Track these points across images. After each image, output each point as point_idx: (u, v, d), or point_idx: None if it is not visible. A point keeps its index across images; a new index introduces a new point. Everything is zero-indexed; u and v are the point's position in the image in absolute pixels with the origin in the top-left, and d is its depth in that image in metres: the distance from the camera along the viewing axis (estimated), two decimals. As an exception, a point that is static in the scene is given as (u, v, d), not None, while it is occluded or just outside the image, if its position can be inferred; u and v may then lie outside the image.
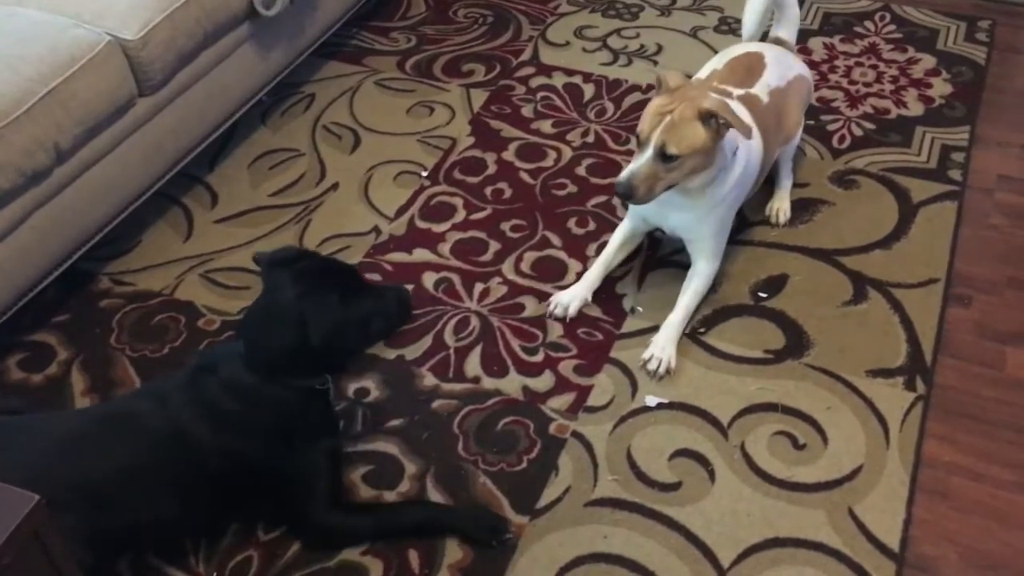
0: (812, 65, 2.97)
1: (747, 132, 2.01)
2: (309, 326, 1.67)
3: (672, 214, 2.18)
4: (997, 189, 2.54)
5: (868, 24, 3.15)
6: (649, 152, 1.97)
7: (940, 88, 2.87)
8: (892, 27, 3.13)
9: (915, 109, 2.80)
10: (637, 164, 1.98)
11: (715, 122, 1.96)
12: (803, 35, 3.09)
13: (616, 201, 2.52)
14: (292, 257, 1.79)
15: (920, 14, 3.17)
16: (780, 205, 2.46)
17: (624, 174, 2.00)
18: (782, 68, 2.34)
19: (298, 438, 1.77)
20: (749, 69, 2.31)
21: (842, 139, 2.70)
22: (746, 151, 2.13)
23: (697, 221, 2.16)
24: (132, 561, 1.80)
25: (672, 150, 1.95)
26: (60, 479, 1.61)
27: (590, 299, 2.26)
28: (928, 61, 2.98)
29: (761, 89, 2.26)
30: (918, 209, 2.48)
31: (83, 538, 1.55)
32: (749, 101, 2.21)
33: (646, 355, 2.11)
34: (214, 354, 1.82)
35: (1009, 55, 3.01)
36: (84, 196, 2.20)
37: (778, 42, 2.48)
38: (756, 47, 2.40)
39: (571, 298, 2.24)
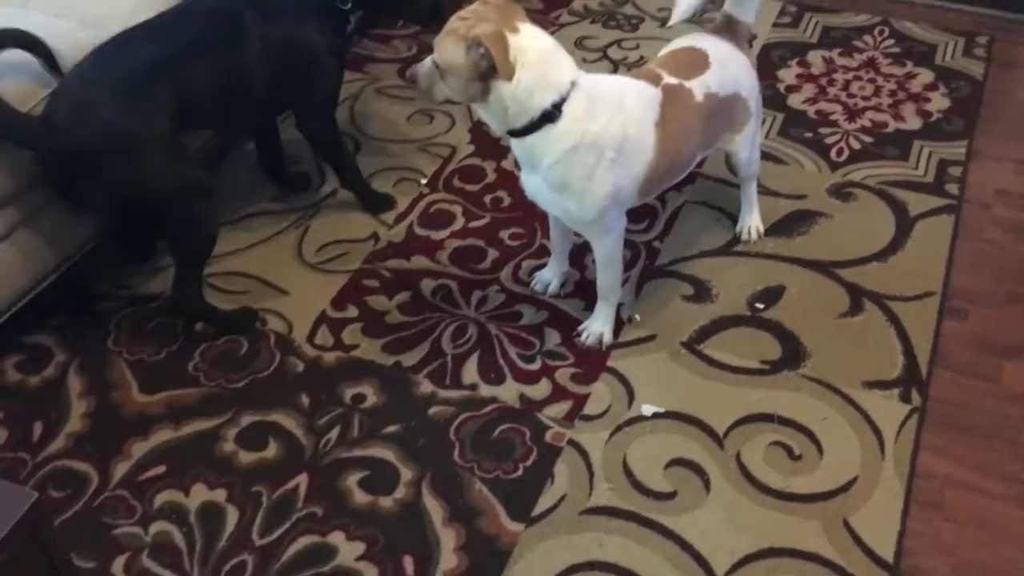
0: (811, 78, 2.99)
1: (508, 73, 1.80)
2: None
3: (545, 196, 2.03)
4: (994, 203, 2.55)
5: (867, 38, 3.16)
6: (433, 54, 1.92)
7: (938, 103, 2.89)
8: (891, 42, 3.14)
9: (913, 123, 2.81)
10: (427, 59, 1.94)
11: (476, 52, 1.79)
12: (803, 48, 3.12)
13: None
14: None
15: (919, 29, 3.19)
16: (750, 222, 2.45)
17: (420, 63, 1.96)
18: (727, 79, 2.13)
19: (324, 49, 2.26)
20: (692, 64, 2.12)
21: (840, 152, 2.71)
22: (599, 113, 1.89)
23: (568, 199, 1.99)
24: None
25: (436, 57, 1.90)
26: (145, 58, 2.02)
27: (564, 275, 2.35)
28: (926, 76, 2.99)
29: (698, 86, 2.07)
30: (915, 222, 2.49)
31: (166, 111, 1.99)
32: (679, 92, 2.04)
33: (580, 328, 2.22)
34: None
35: (1006, 71, 3.03)
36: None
37: (729, 21, 2.22)
38: (703, 43, 2.17)
39: (552, 275, 2.33)
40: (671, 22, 2.25)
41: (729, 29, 2.22)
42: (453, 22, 1.87)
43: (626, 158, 1.96)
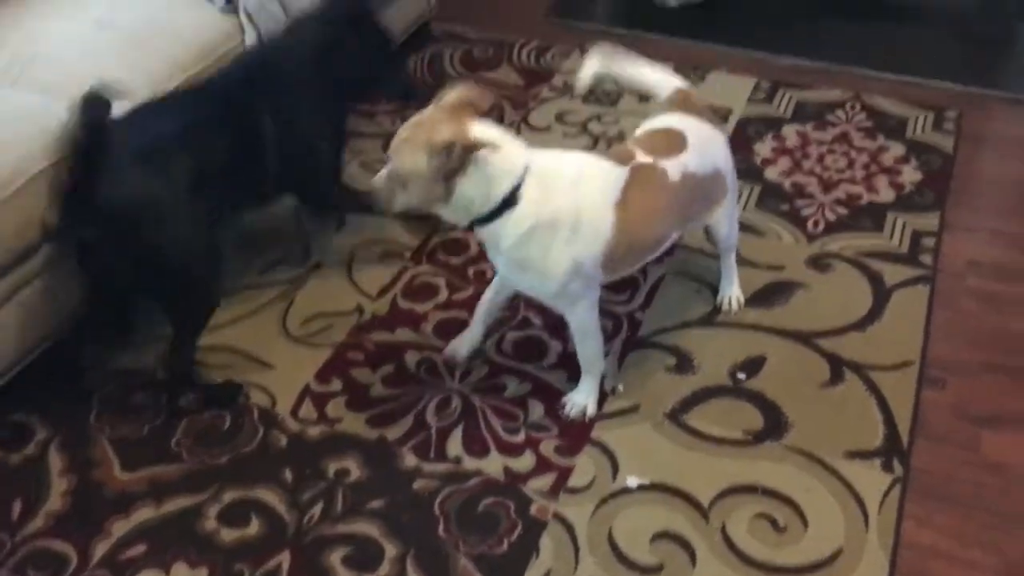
0: (786, 151, 3.06)
1: (488, 153, 1.85)
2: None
3: (510, 274, 2.11)
4: (967, 274, 2.59)
5: (840, 113, 3.25)
6: (389, 164, 1.95)
7: (910, 175, 2.95)
8: (863, 116, 3.23)
9: (886, 195, 2.88)
10: (383, 171, 1.97)
11: (443, 155, 1.83)
12: (777, 123, 3.20)
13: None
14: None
15: (890, 104, 3.28)
16: (730, 293, 2.49)
17: (376, 177, 1.99)
18: (706, 157, 2.18)
19: (322, 131, 2.39)
20: (669, 144, 2.17)
21: (816, 224, 2.77)
22: (553, 194, 1.94)
23: (530, 277, 2.05)
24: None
25: (395, 165, 1.92)
26: (169, 130, 2.11)
27: (476, 347, 2.37)
28: (898, 149, 3.07)
29: (675, 167, 2.10)
30: (891, 293, 2.53)
31: (186, 180, 2.06)
32: (650, 172, 2.07)
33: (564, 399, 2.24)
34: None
35: (975, 144, 3.11)
36: (70, 274, 2.21)
37: (683, 96, 2.28)
38: (679, 122, 2.20)
39: (456, 347, 2.37)
40: (577, 91, 2.48)
41: (687, 104, 2.27)
42: (408, 130, 1.91)
43: (581, 236, 1.98)
